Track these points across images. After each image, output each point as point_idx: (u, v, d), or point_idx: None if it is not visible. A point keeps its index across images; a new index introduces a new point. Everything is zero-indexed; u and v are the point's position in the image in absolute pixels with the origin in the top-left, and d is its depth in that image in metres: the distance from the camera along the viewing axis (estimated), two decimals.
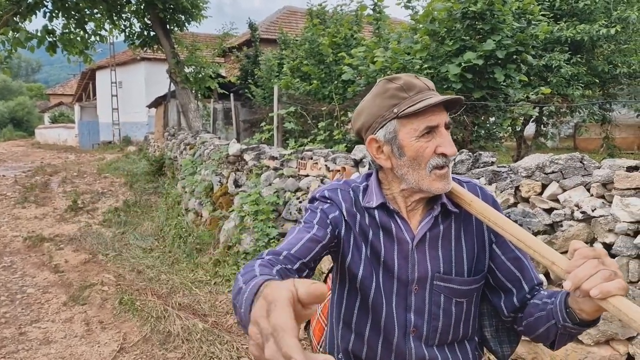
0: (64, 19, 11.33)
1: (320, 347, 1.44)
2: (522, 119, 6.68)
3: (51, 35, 11.20)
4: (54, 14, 11.11)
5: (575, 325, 1.06)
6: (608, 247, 2.73)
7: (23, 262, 6.21)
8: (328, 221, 1.24)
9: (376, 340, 1.25)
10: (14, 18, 10.49)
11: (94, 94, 29.85)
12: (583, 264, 0.91)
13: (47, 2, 10.97)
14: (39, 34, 10.92)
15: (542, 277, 2.85)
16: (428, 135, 1.15)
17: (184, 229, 7.05)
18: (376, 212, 1.25)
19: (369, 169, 1.33)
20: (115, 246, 6.77)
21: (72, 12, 11.29)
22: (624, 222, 2.63)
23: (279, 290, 0.64)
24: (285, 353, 0.57)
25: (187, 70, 12.21)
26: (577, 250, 0.95)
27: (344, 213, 1.26)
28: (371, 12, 7.84)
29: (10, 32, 10.60)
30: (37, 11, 10.93)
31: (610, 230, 2.70)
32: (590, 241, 2.81)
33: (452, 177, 1.28)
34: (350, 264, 1.25)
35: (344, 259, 1.26)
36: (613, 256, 2.70)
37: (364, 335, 1.27)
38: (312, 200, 1.33)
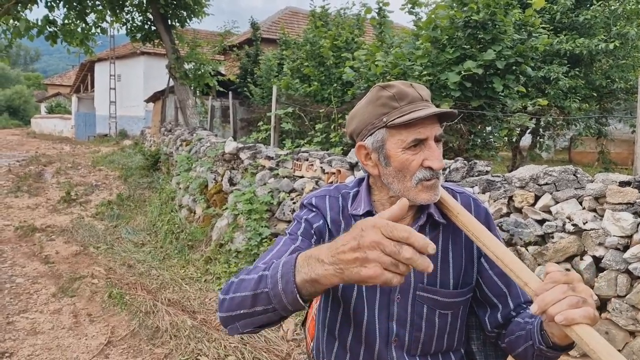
0: (65, 9, 11.30)
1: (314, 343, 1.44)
2: (519, 129, 6.72)
3: (52, 25, 11.16)
4: (54, 4, 11.07)
5: (549, 348, 1.06)
6: (598, 260, 2.75)
7: (13, 252, 6.18)
8: (312, 231, 1.25)
9: (358, 349, 1.25)
10: (16, 6, 10.44)
11: (92, 86, 29.74)
12: (552, 288, 0.90)
13: None
14: (39, 23, 10.88)
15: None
16: (416, 148, 1.14)
17: (176, 225, 7.04)
18: (362, 219, 1.26)
19: (365, 172, 1.33)
20: (107, 239, 6.74)
21: (74, 3, 11.25)
22: (614, 236, 2.65)
23: (379, 219, 0.80)
24: (426, 244, 0.76)
25: (186, 66, 12.20)
26: (549, 274, 0.93)
27: (328, 222, 1.27)
28: (375, 15, 7.85)
29: (11, 20, 10.55)
30: (38, 0, 10.89)
31: (600, 244, 2.72)
32: (581, 254, 2.84)
33: (447, 187, 1.27)
34: None
35: None
36: (602, 269, 2.72)
37: (347, 344, 1.27)
38: (301, 206, 1.34)
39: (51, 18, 11.13)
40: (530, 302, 1.21)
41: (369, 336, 1.24)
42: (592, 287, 2.75)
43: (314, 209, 1.30)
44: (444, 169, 3.79)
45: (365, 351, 1.25)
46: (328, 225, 1.27)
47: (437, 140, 1.16)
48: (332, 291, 1.28)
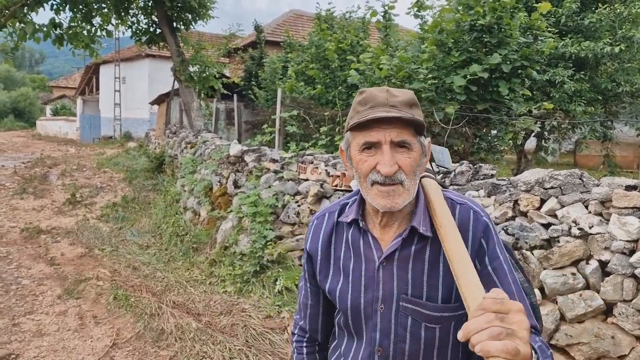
0: (70, 12, 11.35)
1: None
2: (524, 133, 6.71)
3: (58, 28, 11.22)
4: (61, 7, 11.13)
5: None
6: (604, 264, 2.74)
7: (19, 254, 6.20)
8: (306, 274, 1.42)
9: (348, 355, 1.30)
10: (22, 9, 10.50)
11: (97, 88, 29.84)
12: (479, 316, 0.86)
13: None
14: (44, 27, 10.93)
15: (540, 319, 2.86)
16: (370, 150, 1.15)
17: (181, 228, 7.06)
18: (351, 227, 1.29)
19: None
20: (112, 241, 6.77)
21: (79, 6, 11.31)
22: (620, 240, 2.64)
23: None
24: None
25: (191, 69, 12.23)
26: (483, 301, 0.88)
27: (319, 246, 1.34)
28: (381, 19, 7.86)
29: (17, 23, 10.61)
30: (44, 3, 10.94)
31: (606, 248, 2.71)
32: (587, 258, 2.83)
33: (448, 197, 1.24)
34: (324, 288, 1.35)
35: (322, 286, 1.37)
36: (608, 274, 2.71)
37: (341, 349, 1.34)
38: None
39: (57, 21, 11.18)
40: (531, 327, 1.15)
41: (357, 345, 1.28)
42: (598, 291, 2.74)
43: (308, 237, 1.39)
44: (449, 172, 3.79)
45: (352, 358, 1.30)
46: (319, 251, 1.34)
47: (400, 145, 1.14)
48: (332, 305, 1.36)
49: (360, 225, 1.25)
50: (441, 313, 1.20)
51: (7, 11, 10.27)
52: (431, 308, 1.20)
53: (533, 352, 0.96)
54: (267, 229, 5.15)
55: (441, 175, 3.85)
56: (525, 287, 1.32)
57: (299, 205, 5.15)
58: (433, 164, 1.48)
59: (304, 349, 1.49)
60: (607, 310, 2.75)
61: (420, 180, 1.26)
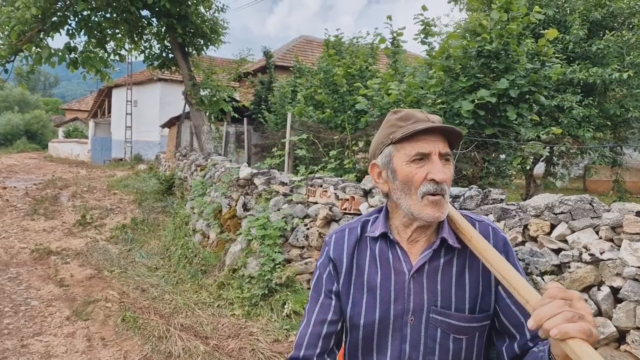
0: (85, 37, 11.61)
1: None
2: (532, 157, 6.71)
3: (72, 52, 11.46)
4: (76, 32, 11.38)
5: None
6: (615, 290, 2.72)
7: (29, 274, 6.23)
8: (324, 289, 1.35)
9: None
10: (39, 35, 10.75)
11: (109, 111, 30.30)
12: (549, 303, 0.91)
13: (71, 20, 11.25)
14: (59, 52, 11.17)
15: None
16: (420, 162, 1.19)
17: (190, 250, 7.07)
18: (377, 242, 1.31)
19: (383, 196, 1.39)
20: (121, 263, 6.79)
21: (95, 32, 11.57)
22: (632, 266, 2.62)
23: None
24: None
25: (202, 92, 12.41)
26: (548, 290, 0.94)
27: (344, 259, 1.33)
28: (389, 45, 7.97)
29: (34, 47, 10.85)
30: (60, 28, 11.20)
31: (618, 274, 2.69)
32: (598, 284, 2.81)
33: (465, 215, 1.30)
34: (344, 301, 1.33)
35: (342, 299, 1.35)
36: (620, 300, 2.69)
37: None
38: (324, 244, 1.42)
39: (72, 45, 11.43)
40: None
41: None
42: (610, 318, 2.71)
43: (329, 248, 1.38)
44: (458, 197, 3.79)
45: None
46: (344, 264, 1.34)
47: (443, 157, 1.20)
48: (345, 321, 1.33)
49: (391, 237, 1.28)
50: (468, 323, 1.23)
51: (24, 36, 10.51)
52: (459, 319, 1.23)
53: None
54: (275, 252, 5.15)
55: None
56: None
57: (308, 229, 5.16)
58: None
59: None
60: (620, 337, 2.71)
61: None
